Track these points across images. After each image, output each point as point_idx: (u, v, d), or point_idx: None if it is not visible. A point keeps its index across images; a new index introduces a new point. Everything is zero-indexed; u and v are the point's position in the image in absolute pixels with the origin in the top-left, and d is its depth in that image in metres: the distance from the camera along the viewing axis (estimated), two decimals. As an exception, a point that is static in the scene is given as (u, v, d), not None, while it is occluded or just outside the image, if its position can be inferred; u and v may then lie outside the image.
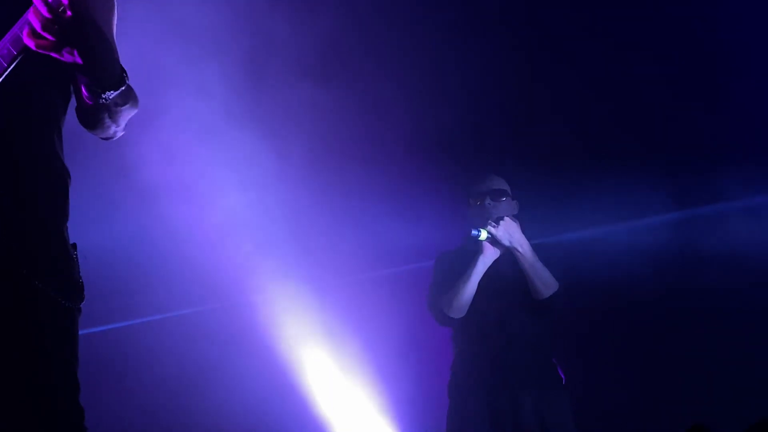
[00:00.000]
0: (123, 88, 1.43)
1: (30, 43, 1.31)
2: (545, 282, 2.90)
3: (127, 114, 1.52)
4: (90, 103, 1.45)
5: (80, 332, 1.52)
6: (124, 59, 1.52)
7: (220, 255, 3.20)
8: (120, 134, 1.57)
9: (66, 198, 1.55)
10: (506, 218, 2.90)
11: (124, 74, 1.43)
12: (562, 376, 2.99)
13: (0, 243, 1.45)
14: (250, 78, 3.22)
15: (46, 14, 1.25)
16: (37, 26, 1.27)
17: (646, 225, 3.31)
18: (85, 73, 1.40)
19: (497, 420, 2.92)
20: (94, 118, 1.52)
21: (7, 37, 1.33)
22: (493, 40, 3.48)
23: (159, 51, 2.94)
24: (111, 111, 1.47)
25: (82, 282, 1.53)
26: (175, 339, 3.29)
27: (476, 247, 2.92)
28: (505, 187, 3.00)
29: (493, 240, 2.90)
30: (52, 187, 1.53)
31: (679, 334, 3.37)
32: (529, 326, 2.96)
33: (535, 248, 2.94)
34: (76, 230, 1.51)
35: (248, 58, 3.20)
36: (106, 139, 1.57)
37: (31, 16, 1.29)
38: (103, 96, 1.42)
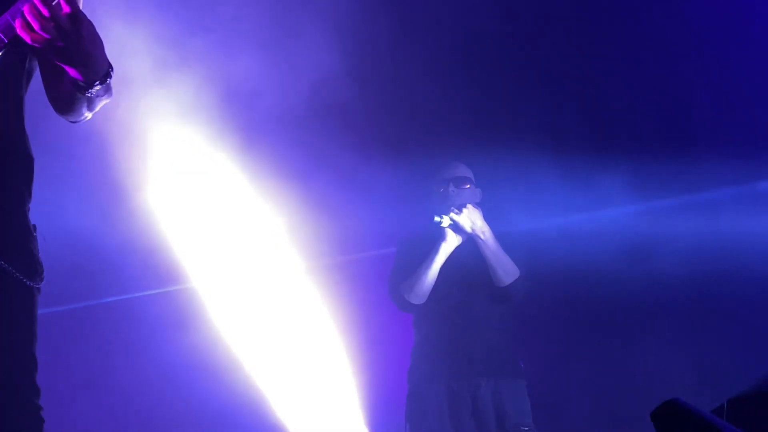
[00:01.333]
0: (108, 81, 1.45)
1: (25, 37, 1.31)
2: (506, 269, 2.95)
3: (103, 102, 1.54)
4: (71, 94, 1.48)
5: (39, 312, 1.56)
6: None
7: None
8: (89, 118, 1.59)
9: (30, 181, 1.57)
10: (469, 205, 2.93)
11: (110, 69, 1.45)
12: (521, 364, 3.05)
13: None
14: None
15: (45, 13, 1.25)
16: (35, 24, 1.27)
17: (607, 216, 3.41)
18: (77, 71, 1.41)
19: (455, 405, 2.96)
20: (71, 106, 1.54)
21: None
22: (461, 33, 3.57)
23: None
24: (90, 101, 1.50)
25: (41, 263, 1.56)
26: (139, 321, 3.32)
27: (438, 234, 2.95)
28: (469, 174, 3.04)
29: (455, 227, 2.94)
30: (17, 171, 1.55)
31: (637, 323, 3.51)
32: (489, 313, 3.00)
33: (498, 236, 2.98)
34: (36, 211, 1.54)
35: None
36: (75, 122, 1.60)
37: (27, 11, 1.28)
38: (90, 91, 1.44)
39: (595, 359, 3.53)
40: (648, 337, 3.48)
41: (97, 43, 1.45)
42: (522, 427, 2.93)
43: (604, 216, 3.47)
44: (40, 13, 1.29)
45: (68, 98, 1.56)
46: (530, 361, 3.09)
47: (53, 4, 1.28)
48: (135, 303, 3.34)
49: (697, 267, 3.21)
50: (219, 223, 3.19)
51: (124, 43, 2.76)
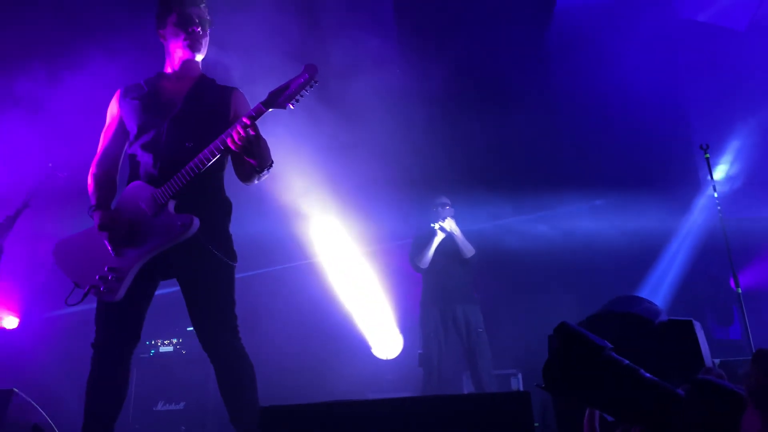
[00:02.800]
0: (269, 169, 2.56)
1: (231, 146, 2.43)
2: (468, 250, 5.35)
3: (264, 177, 2.63)
4: (249, 174, 2.60)
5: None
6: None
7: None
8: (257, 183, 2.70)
9: (230, 212, 2.72)
10: (449, 218, 5.35)
11: (272, 163, 2.57)
12: (477, 297, 5.43)
13: (202, 233, 2.50)
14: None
15: (243, 135, 2.42)
16: (237, 139, 2.40)
17: (520, 221, 6.04)
18: (255, 162, 2.49)
19: (443, 318, 5.20)
20: (248, 179, 2.67)
21: (219, 139, 2.46)
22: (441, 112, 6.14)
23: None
24: (259, 178, 2.63)
25: (235, 251, 2.67)
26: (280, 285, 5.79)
27: (434, 232, 5.37)
28: (448, 201, 5.45)
29: (442, 229, 5.35)
30: (221, 203, 2.73)
31: (535, 279, 6.02)
32: (459, 272, 5.35)
33: (463, 233, 5.38)
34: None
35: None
36: (248, 185, 2.72)
37: (234, 133, 2.39)
38: (260, 175, 2.58)
39: (513, 297, 6.02)
40: (544, 290, 5.94)
41: (266, 149, 2.48)
42: (478, 329, 5.18)
43: (515, 221, 6.09)
44: (240, 135, 2.36)
45: (247, 175, 2.60)
46: (481, 295, 5.51)
47: (248, 130, 2.34)
48: (271, 274, 5.93)
49: (559, 251, 5.82)
50: (320, 226, 5.81)
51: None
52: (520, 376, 5.53)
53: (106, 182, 2.76)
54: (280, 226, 5.69)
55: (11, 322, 5.76)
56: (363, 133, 5.75)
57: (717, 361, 3.16)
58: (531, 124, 6.23)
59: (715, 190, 4.72)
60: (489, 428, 1.80)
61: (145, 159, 2.68)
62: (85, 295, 2.62)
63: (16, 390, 2.58)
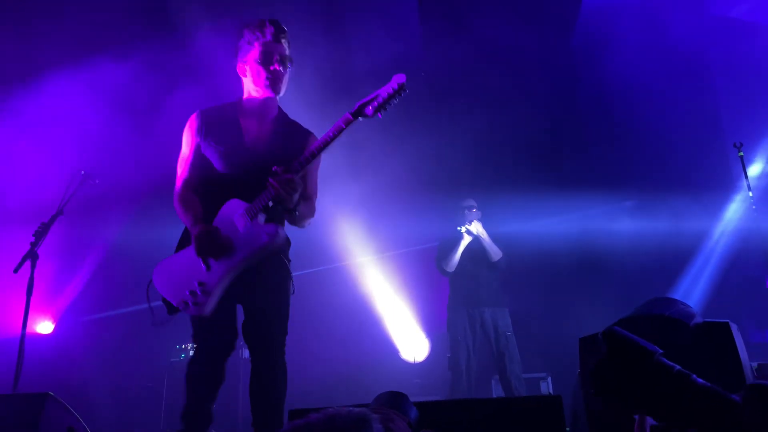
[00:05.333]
0: (296, 213, 2.66)
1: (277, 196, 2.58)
2: (496, 252, 5.30)
3: (308, 220, 2.77)
4: (291, 219, 2.74)
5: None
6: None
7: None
8: (307, 224, 2.81)
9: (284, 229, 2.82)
10: (475, 220, 5.31)
11: (298, 208, 2.64)
12: (506, 300, 5.32)
13: (273, 247, 2.67)
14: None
15: (289, 189, 2.56)
16: (281, 191, 2.55)
17: (549, 223, 5.97)
18: (288, 209, 2.65)
19: (471, 323, 5.17)
20: (295, 223, 2.78)
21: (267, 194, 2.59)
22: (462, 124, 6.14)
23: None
24: (301, 220, 2.77)
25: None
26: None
27: (460, 235, 5.33)
28: (475, 204, 5.41)
29: (468, 232, 5.31)
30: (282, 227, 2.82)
31: (565, 284, 5.93)
32: (487, 275, 5.31)
33: (490, 235, 5.34)
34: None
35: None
36: (303, 227, 2.82)
37: (277, 185, 2.53)
38: (293, 214, 2.68)
39: (542, 300, 5.95)
40: (575, 292, 5.87)
41: (307, 205, 2.71)
42: (507, 332, 5.14)
43: (540, 225, 6.02)
44: (284, 187, 2.54)
45: (291, 220, 2.76)
46: (509, 298, 5.41)
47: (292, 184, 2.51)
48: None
49: (589, 253, 5.73)
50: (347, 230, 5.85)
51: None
52: (549, 379, 5.47)
53: (196, 203, 2.79)
54: (305, 230, 5.74)
55: (46, 326, 5.89)
56: (388, 135, 5.74)
57: (754, 364, 3.07)
58: (559, 124, 6.17)
59: (749, 188, 4.60)
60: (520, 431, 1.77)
61: (231, 193, 2.73)
62: (174, 311, 2.70)
63: (51, 393, 2.61)
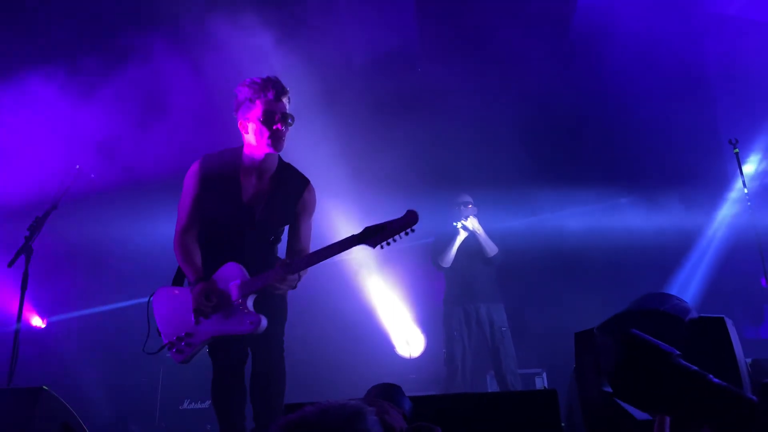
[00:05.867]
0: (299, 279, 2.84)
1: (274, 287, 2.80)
2: (491, 248, 5.30)
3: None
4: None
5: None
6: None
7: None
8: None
9: (276, 248, 3.08)
10: (471, 216, 5.32)
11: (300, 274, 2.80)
12: (501, 296, 5.33)
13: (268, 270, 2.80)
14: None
15: (286, 286, 2.80)
16: (279, 286, 2.76)
17: (545, 219, 5.98)
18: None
19: (467, 318, 5.18)
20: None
21: (266, 277, 2.76)
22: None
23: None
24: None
25: None
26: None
27: (456, 231, 5.34)
28: (470, 200, 5.42)
29: (464, 227, 5.32)
30: (272, 244, 3.04)
31: (561, 279, 5.91)
32: (483, 270, 5.30)
33: (486, 231, 5.33)
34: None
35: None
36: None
37: (272, 278, 2.72)
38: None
39: (537, 296, 5.96)
40: (569, 288, 5.82)
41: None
42: (502, 328, 5.14)
43: (535, 221, 6.04)
44: (282, 283, 2.74)
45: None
46: (504, 294, 5.43)
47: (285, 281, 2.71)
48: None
49: (585, 249, 5.74)
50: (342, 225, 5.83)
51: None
52: (544, 375, 5.49)
53: (196, 254, 2.94)
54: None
55: (40, 321, 5.87)
56: (383, 130, 5.74)
57: (749, 360, 3.09)
58: (555, 120, 6.16)
59: (745, 185, 4.61)
60: (516, 425, 1.77)
61: (228, 248, 2.89)
62: (161, 348, 2.92)
63: (45, 388, 2.61)
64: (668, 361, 1.44)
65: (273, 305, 2.87)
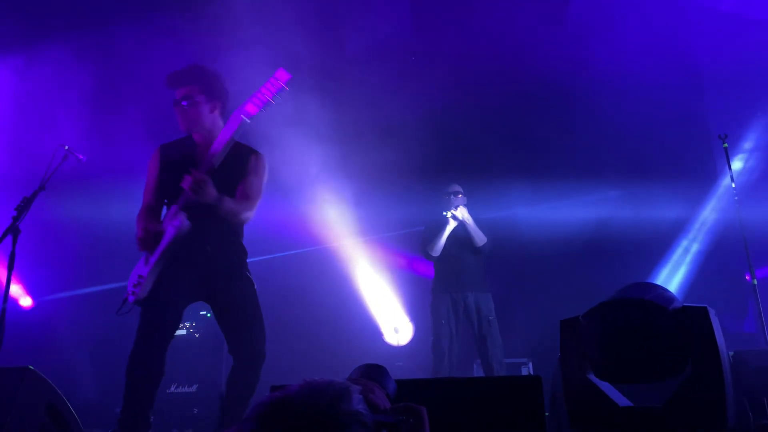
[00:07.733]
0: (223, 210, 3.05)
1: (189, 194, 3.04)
2: (480, 237, 5.30)
3: (238, 216, 3.13)
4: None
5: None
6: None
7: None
8: (245, 220, 3.18)
9: (242, 232, 3.27)
10: (461, 206, 5.31)
11: (222, 205, 3.04)
12: (489, 285, 5.34)
13: (234, 264, 3.17)
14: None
15: (196, 188, 2.99)
16: (193, 188, 2.95)
17: (533, 210, 6.01)
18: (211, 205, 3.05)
19: (455, 307, 5.19)
20: (227, 219, 3.13)
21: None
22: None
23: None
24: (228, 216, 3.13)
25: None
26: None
27: (445, 220, 5.34)
28: (461, 190, 5.42)
29: (454, 217, 5.31)
30: (237, 228, 3.25)
31: (548, 269, 5.99)
32: (471, 260, 5.32)
33: (475, 221, 5.33)
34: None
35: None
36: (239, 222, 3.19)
37: (188, 185, 3.00)
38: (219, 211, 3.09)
39: (525, 286, 6.02)
40: (555, 277, 5.91)
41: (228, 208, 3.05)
42: (489, 317, 5.15)
43: (527, 210, 6.06)
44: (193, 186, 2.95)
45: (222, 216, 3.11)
46: (493, 283, 5.44)
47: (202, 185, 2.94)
48: (280, 260, 5.96)
49: (572, 241, 5.77)
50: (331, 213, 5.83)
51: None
52: (530, 364, 5.53)
53: (149, 219, 3.21)
54: (287, 212, 5.70)
55: (27, 300, 5.84)
56: (374, 119, 5.74)
57: (731, 352, 3.14)
58: (545, 112, 6.18)
59: (732, 180, 4.65)
60: (500, 411, 1.80)
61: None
62: (123, 302, 3.16)
63: (31, 367, 2.59)
64: None
65: (250, 314, 3.07)
